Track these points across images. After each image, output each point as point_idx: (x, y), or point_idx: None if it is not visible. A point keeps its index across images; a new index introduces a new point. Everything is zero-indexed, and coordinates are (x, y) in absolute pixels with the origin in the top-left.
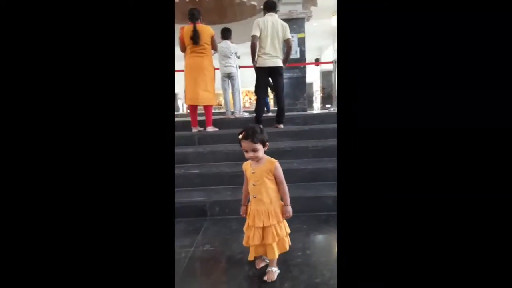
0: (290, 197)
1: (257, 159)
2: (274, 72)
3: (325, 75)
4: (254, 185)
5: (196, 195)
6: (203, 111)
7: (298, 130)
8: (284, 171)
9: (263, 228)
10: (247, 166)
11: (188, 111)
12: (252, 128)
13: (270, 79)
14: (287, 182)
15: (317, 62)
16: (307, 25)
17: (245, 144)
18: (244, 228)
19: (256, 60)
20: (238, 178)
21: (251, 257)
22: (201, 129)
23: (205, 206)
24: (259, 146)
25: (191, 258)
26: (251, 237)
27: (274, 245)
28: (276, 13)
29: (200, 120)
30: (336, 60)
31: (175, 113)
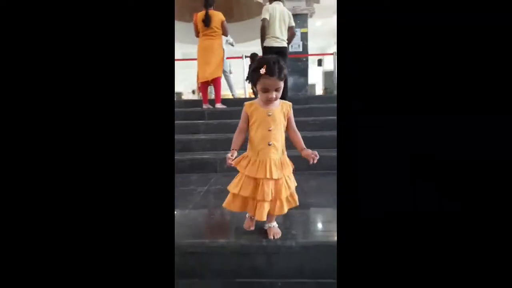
0: (293, 157)
1: (275, 100)
2: (280, 52)
3: (327, 75)
4: (270, 130)
5: (208, 154)
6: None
7: (299, 108)
8: (286, 139)
9: (275, 181)
10: (254, 108)
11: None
12: (276, 60)
13: None
14: (288, 149)
15: (320, 62)
16: (311, 23)
17: (270, 81)
18: (235, 187)
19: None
20: (246, 143)
21: (264, 216)
22: (211, 106)
23: (216, 163)
24: (282, 84)
25: (206, 192)
26: (261, 191)
27: (284, 199)
28: (282, 2)
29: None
30: (335, 52)
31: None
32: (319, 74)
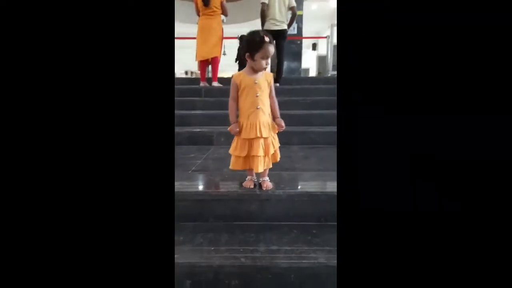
0: (285, 133)
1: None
2: (279, 35)
3: (321, 60)
4: (258, 96)
5: (205, 129)
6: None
7: (291, 88)
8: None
9: (265, 139)
10: (242, 78)
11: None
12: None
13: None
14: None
15: (314, 46)
16: (306, 6)
17: (271, 48)
18: (234, 150)
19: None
20: None
21: (260, 169)
22: (207, 84)
23: (212, 136)
24: None
25: (205, 159)
26: (255, 148)
27: (271, 155)
28: None
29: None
30: (329, 35)
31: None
32: (313, 58)
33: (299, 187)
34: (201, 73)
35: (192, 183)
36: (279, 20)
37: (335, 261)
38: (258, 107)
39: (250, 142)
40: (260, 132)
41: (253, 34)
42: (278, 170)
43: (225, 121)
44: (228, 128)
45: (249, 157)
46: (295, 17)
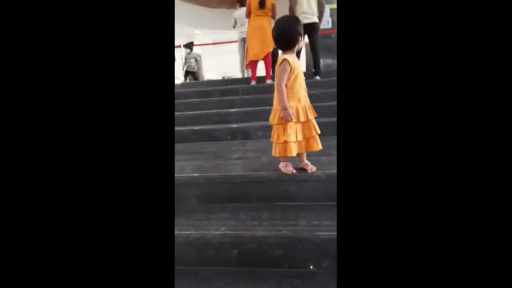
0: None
1: None
2: (310, 28)
3: None
4: (304, 78)
5: (243, 125)
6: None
7: (328, 81)
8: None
9: (307, 122)
10: (292, 60)
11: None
12: None
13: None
14: None
15: None
16: None
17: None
18: (289, 136)
19: None
20: None
21: (320, 146)
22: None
23: (250, 131)
24: None
25: (245, 151)
26: (309, 129)
27: (317, 136)
28: None
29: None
30: None
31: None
32: None
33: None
34: (252, 73)
35: (233, 168)
36: (309, 12)
37: None
38: (306, 88)
39: (306, 124)
40: (312, 113)
41: (294, 17)
42: (316, 156)
43: (261, 116)
44: (281, 115)
45: (304, 140)
46: (324, 9)
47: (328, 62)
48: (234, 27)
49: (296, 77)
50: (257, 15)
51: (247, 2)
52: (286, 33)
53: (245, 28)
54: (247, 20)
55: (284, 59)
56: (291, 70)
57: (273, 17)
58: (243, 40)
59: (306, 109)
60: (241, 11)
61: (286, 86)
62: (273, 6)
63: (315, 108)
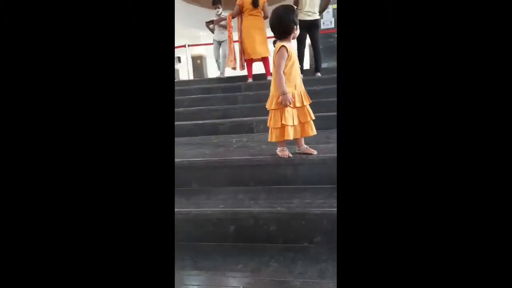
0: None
1: None
2: (312, 25)
3: None
4: (299, 66)
5: (246, 118)
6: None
7: (329, 77)
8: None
9: (302, 108)
10: (289, 47)
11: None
12: None
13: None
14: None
15: None
16: None
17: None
18: (286, 120)
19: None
20: None
21: (314, 131)
22: (252, 81)
23: (252, 125)
24: None
25: (246, 141)
26: (304, 114)
27: (312, 122)
28: None
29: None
30: None
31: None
32: None
33: (330, 151)
34: (248, 71)
35: (233, 153)
36: (311, 11)
37: None
38: (302, 75)
39: (301, 109)
40: (307, 99)
41: (290, 6)
42: (315, 144)
43: (263, 111)
44: (279, 99)
45: (300, 125)
46: (328, 4)
47: (333, 63)
48: (212, 29)
49: (293, 64)
50: (251, 15)
51: (238, 1)
52: (283, 22)
53: (220, 31)
54: (225, 23)
55: (282, 46)
56: (288, 56)
57: (265, 17)
58: (219, 43)
59: (301, 95)
60: (223, 16)
61: (284, 72)
62: (264, 4)
63: (319, 103)
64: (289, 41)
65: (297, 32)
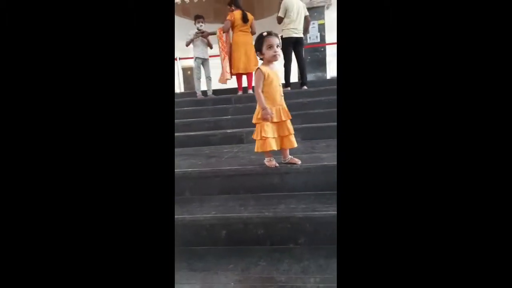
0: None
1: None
2: (297, 42)
3: None
4: (280, 85)
5: (236, 130)
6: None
7: (315, 90)
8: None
9: (284, 122)
10: (266, 69)
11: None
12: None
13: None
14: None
15: None
16: (328, 15)
17: (273, 39)
18: (267, 133)
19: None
20: None
21: (295, 144)
22: (242, 93)
23: (242, 136)
24: (278, 41)
25: (236, 152)
26: (282, 129)
27: (293, 135)
28: None
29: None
30: None
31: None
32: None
33: (314, 161)
34: (238, 84)
35: (224, 164)
36: (298, 28)
37: None
38: (282, 95)
39: (280, 124)
40: (286, 115)
41: (257, 37)
42: (300, 154)
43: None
44: (260, 114)
45: (279, 138)
46: (309, 25)
47: (318, 75)
48: (187, 44)
49: (271, 83)
50: (241, 31)
51: (229, 17)
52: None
53: (203, 47)
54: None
55: (258, 68)
56: (264, 77)
57: (252, 32)
58: (200, 59)
59: (280, 111)
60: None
61: (262, 91)
62: (252, 21)
63: (305, 115)
64: (266, 64)
65: (268, 55)
